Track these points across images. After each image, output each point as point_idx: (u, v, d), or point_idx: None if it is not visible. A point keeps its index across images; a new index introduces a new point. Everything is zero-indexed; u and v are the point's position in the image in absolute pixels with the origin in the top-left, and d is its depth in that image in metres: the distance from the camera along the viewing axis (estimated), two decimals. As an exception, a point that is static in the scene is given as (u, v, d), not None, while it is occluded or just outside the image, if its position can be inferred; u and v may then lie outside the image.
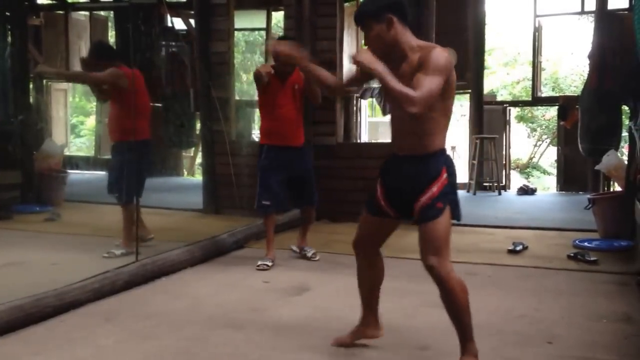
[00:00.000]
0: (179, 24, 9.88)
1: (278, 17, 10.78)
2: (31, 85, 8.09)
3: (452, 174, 2.75)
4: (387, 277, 4.51)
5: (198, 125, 10.01)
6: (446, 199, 2.70)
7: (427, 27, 6.51)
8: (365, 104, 12.07)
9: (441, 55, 2.58)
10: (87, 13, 10.67)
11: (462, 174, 10.79)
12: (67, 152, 8.99)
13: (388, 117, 10.64)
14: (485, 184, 9.96)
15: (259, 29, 10.83)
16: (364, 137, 12.17)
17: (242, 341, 3.22)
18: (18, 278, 4.30)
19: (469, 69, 9.83)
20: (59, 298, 3.64)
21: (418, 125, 2.67)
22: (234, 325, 3.45)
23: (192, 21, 9.20)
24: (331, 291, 4.21)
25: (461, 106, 19.46)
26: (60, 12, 10.49)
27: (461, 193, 9.40)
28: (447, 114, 2.73)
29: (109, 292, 3.97)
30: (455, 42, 9.50)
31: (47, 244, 5.48)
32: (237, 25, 7.65)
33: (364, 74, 2.85)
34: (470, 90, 10.23)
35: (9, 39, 7.38)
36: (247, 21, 9.83)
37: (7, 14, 7.43)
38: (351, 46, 8.85)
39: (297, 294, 4.10)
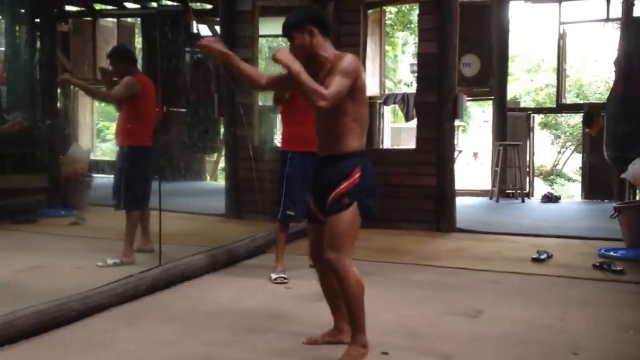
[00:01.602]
0: (204, 30, 9.98)
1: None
2: (59, 91, 8.23)
3: (366, 176, 2.91)
4: (409, 284, 4.53)
5: (221, 131, 10.10)
6: (354, 197, 2.87)
7: (451, 34, 6.48)
8: (387, 110, 12.05)
9: (349, 60, 2.84)
10: (114, 20, 10.83)
11: (485, 181, 10.70)
12: (92, 157, 9.13)
13: (410, 123, 10.64)
14: (508, 191, 9.86)
15: (283, 35, 10.88)
16: (387, 143, 12.16)
17: (264, 347, 3.22)
18: (43, 281, 4.36)
19: (493, 75, 9.76)
20: (83, 302, 3.67)
21: (334, 127, 2.91)
22: (256, 331, 3.45)
23: (217, 28, 9.29)
24: (352, 298, 4.19)
25: (483, 112, 19.33)
26: (89, 18, 10.66)
27: (484, 200, 9.50)
28: (359, 120, 2.92)
29: (132, 297, 3.99)
30: (479, 49, 9.48)
31: (72, 248, 5.54)
32: (261, 32, 7.70)
33: (287, 79, 3.00)
34: (493, 97, 10.15)
35: (38, 45, 7.53)
36: (271, 28, 9.85)
37: (37, 20, 7.58)
38: (374, 52, 8.86)
39: (318, 301, 4.06)
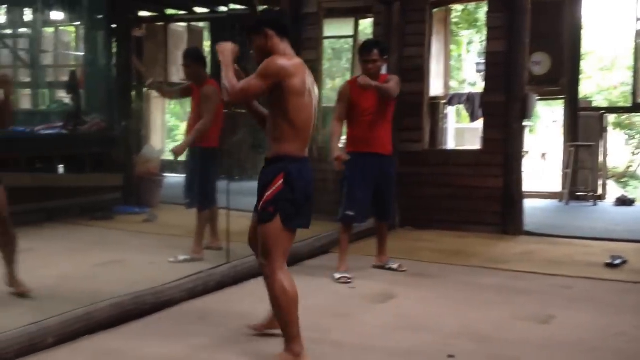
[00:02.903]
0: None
1: (365, 24, 10.83)
2: (133, 93, 8.55)
3: (291, 182, 2.93)
4: (475, 288, 4.47)
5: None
6: (278, 205, 2.93)
7: (521, 32, 6.35)
8: (452, 110, 11.89)
9: (267, 62, 2.94)
10: (184, 24, 11.14)
11: (554, 183, 10.38)
12: (163, 157, 9.42)
13: (474, 124, 10.41)
14: (579, 193, 9.53)
15: (347, 37, 10.91)
16: (450, 144, 11.99)
17: (328, 346, 3.26)
18: (119, 275, 4.56)
19: (564, 74, 9.46)
20: (156, 296, 3.82)
21: (270, 129, 3.04)
22: (320, 329, 3.49)
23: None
24: (417, 299, 4.19)
25: (552, 112, 18.73)
26: (161, 23, 11.01)
27: (553, 203, 9.22)
28: (292, 124, 2.95)
29: (201, 292, 4.12)
30: (550, 47, 9.20)
31: (145, 244, 5.75)
32: (325, 34, 7.76)
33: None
34: (564, 96, 9.84)
35: (115, 49, 7.86)
36: (335, 29, 9.92)
37: (113, 26, 7.91)
38: (440, 52, 8.77)
39: (382, 302, 4.11)
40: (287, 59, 2.96)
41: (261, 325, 3.41)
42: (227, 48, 3.03)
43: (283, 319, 2.99)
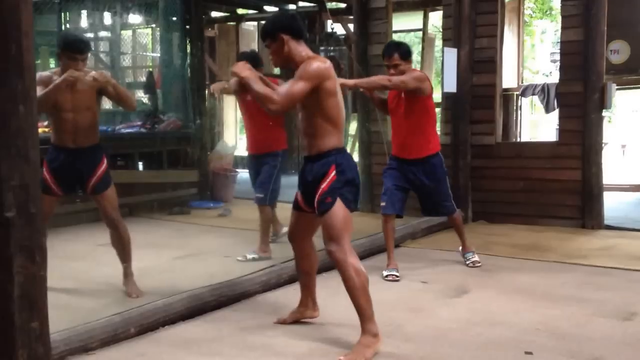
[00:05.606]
0: (338, 29, 10.19)
1: (434, 17, 10.69)
2: (207, 92, 8.79)
3: (342, 171, 3.11)
4: (553, 283, 4.35)
5: (353, 126, 10.25)
6: (335, 194, 3.09)
7: (598, 20, 6.12)
8: (526, 101, 11.57)
9: (309, 64, 3.03)
10: (255, 23, 11.34)
11: (636, 175, 9.91)
12: (236, 153, 9.63)
13: (547, 116, 10.04)
14: (664, 186, 9.06)
15: (416, 30, 10.80)
16: (524, 136, 11.67)
17: (402, 340, 3.27)
18: (196, 268, 4.72)
19: (645, 61, 9.00)
20: (232, 289, 3.95)
21: (309, 128, 3.15)
22: (393, 323, 3.50)
23: (350, 26, 9.43)
24: (491, 294, 4.12)
25: (632, 102, 17.83)
26: (232, 23, 11.26)
27: (635, 196, 8.81)
28: (331, 120, 3.10)
29: (275, 285, 4.22)
30: (628, 34, 8.79)
31: (220, 238, 5.93)
32: (394, 27, 7.73)
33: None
34: (646, 85, 9.37)
35: (189, 50, 8.11)
36: (404, 23, 9.86)
37: (187, 27, 8.16)
38: (512, 42, 8.55)
39: (455, 296, 4.07)
40: (321, 61, 3.09)
41: (288, 316, 3.55)
42: (240, 66, 3.12)
43: (359, 300, 3.07)
